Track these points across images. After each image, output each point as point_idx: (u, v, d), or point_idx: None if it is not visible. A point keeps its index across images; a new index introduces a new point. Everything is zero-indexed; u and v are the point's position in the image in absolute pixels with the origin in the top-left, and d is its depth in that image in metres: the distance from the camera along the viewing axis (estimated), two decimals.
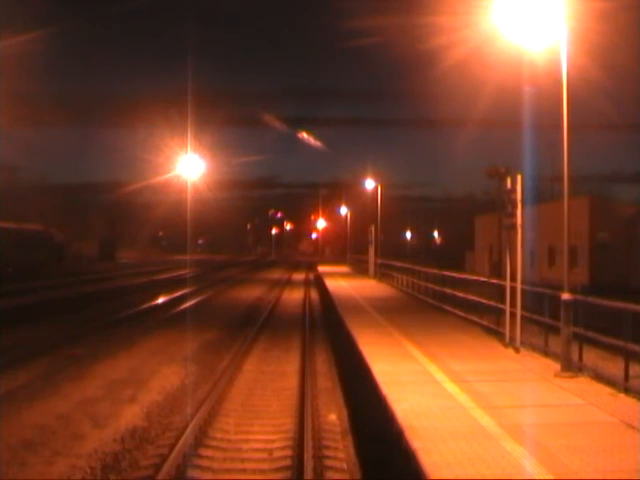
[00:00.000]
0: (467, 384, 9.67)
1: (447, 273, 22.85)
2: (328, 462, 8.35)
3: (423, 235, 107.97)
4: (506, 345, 12.99)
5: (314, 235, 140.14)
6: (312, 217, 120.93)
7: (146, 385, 12.84)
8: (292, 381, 13.33)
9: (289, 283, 47.04)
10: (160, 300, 30.80)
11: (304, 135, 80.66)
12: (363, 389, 11.11)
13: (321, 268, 56.73)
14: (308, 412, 10.27)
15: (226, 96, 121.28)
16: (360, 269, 50.29)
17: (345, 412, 10.97)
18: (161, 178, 60.11)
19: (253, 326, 21.25)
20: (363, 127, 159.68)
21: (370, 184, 47.54)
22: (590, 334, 10.95)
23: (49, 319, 22.86)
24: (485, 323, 15.78)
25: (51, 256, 50.93)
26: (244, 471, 8.20)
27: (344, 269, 55.56)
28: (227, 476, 8.02)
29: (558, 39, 10.73)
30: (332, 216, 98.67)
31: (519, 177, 12.43)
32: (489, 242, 51.46)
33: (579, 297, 11.23)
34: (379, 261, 41.38)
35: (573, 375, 10.22)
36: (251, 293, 36.58)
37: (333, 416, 10.74)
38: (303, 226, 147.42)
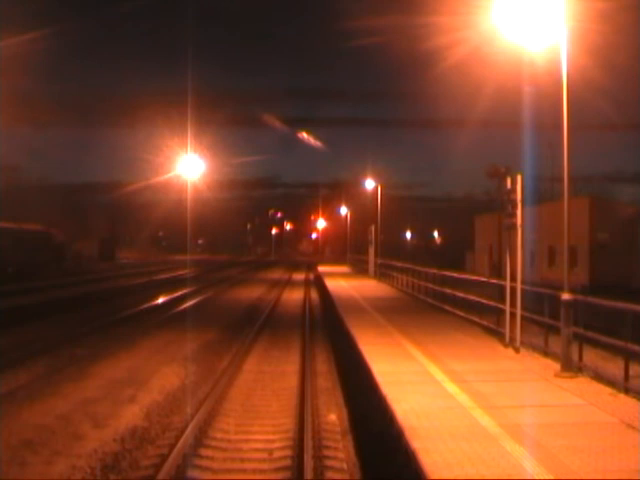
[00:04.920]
0: (467, 384, 9.67)
1: (447, 273, 22.84)
2: (328, 462, 8.35)
3: (423, 235, 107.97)
4: (506, 345, 12.99)
5: (314, 235, 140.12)
6: (312, 217, 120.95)
7: (146, 385, 12.84)
8: (292, 381, 13.33)
9: (289, 283, 47.04)
10: (160, 300, 30.81)
11: (304, 135, 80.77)
12: (363, 389, 11.11)
13: (321, 268, 56.72)
14: (308, 412, 10.27)
15: (226, 96, 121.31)
16: (360, 269, 50.29)
17: (345, 412, 10.97)
18: (161, 178, 60.08)
19: (253, 326, 21.25)
20: (363, 127, 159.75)
21: (370, 184, 47.56)
22: (590, 334, 10.96)
23: (49, 319, 22.88)
24: (485, 323, 15.78)
25: (51, 256, 50.90)
26: (244, 471, 8.20)
27: (344, 269, 55.56)
28: (227, 476, 8.02)
29: (558, 39, 10.73)
30: (332, 216, 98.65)
31: (519, 177, 12.43)
32: (489, 242, 51.43)
33: (579, 297, 11.23)
34: (379, 261, 41.37)
35: (573, 375, 10.22)
36: (251, 293, 36.59)
37: (333, 416, 10.74)
38: (303, 226, 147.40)
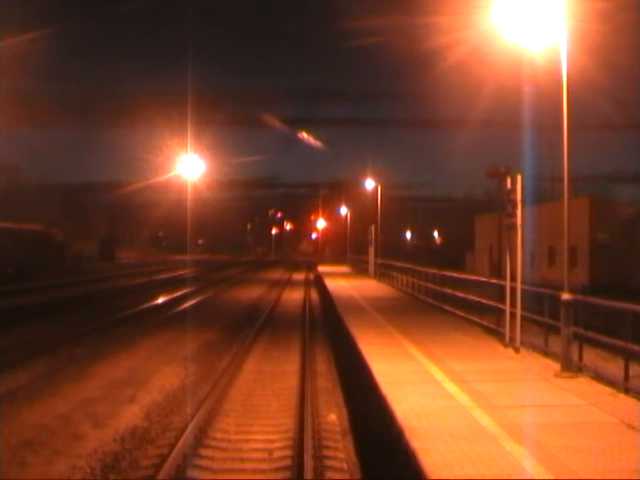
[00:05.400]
0: (467, 384, 9.67)
1: (447, 273, 22.85)
2: (328, 462, 8.35)
3: (423, 235, 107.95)
4: (506, 345, 12.99)
5: (314, 235, 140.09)
6: (312, 217, 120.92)
7: (146, 385, 12.84)
8: (292, 381, 13.33)
9: (289, 283, 47.04)
10: (160, 300, 30.80)
11: (304, 135, 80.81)
12: (363, 389, 11.11)
13: (321, 268, 56.71)
14: (308, 412, 10.27)
15: (226, 96, 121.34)
16: (360, 269, 50.28)
17: (345, 412, 10.97)
18: (161, 178, 60.09)
19: (253, 326, 21.25)
20: (363, 127, 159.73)
21: (370, 184, 47.57)
22: (590, 334, 10.95)
23: (49, 319, 22.88)
24: (485, 323, 15.78)
25: (51, 256, 50.91)
26: (244, 471, 8.20)
27: (344, 269, 55.55)
28: (227, 476, 8.02)
29: (558, 39, 10.73)
30: (332, 216, 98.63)
31: (519, 177, 12.43)
32: (489, 242, 51.43)
33: (579, 297, 11.23)
34: (379, 261, 41.38)
35: (573, 375, 10.22)
36: (251, 293, 36.58)
37: (333, 416, 10.74)
38: (303, 226, 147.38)
